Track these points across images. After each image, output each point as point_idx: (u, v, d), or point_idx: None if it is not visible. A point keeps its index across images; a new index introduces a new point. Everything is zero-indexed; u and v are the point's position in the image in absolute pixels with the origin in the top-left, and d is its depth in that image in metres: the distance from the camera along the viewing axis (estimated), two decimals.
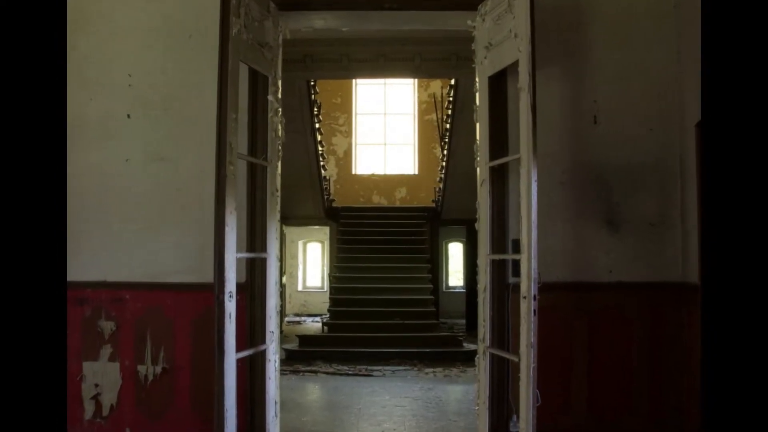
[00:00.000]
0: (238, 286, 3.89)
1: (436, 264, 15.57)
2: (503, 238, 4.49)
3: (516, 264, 4.09)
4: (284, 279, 16.40)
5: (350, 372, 9.47)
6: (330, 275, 14.79)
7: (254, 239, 4.42)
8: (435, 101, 17.91)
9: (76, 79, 4.73)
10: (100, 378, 4.67)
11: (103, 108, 4.76)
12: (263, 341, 4.34)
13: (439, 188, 15.23)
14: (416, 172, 18.81)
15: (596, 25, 4.77)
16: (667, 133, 4.72)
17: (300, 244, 20.21)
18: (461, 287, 17.98)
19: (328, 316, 13.06)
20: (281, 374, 4.58)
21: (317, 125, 13.67)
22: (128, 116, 4.75)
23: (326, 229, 16.42)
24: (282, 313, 15.00)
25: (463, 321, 15.11)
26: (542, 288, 3.76)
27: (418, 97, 18.94)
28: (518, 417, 3.89)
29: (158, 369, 4.65)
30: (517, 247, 4.11)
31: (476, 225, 4.48)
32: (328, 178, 15.95)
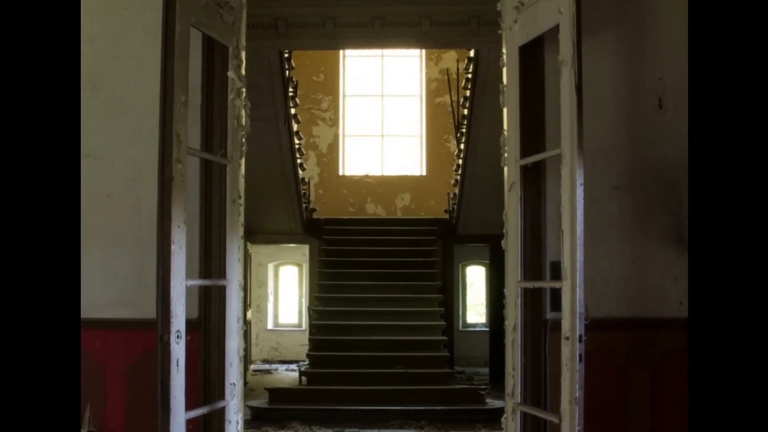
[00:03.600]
0: (189, 323, 3.89)
1: (451, 294, 15.55)
2: (539, 260, 4.49)
3: (556, 294, 4.08)
4: (249, 314, 16.38)
5: None
6: (310, 309, 14.78)
7: (210, 261, 4.42)
8: (449, 79, 17.97)
9: None
10: None
11: None
12: (221, 396, 4.33)
13: (454, 194, 15.25)
14: (424, 173, 18.84)
15: None
16: None
17: (270, 267, 20.20)
18: (483, 325, 17.97)
19: (307, 363, 13.04)
20: None
21: (293, 111, 13.70)
22: None
23: (305, 248, 16.39)
24: (247, 359, 14.94)
25: (486, 369, 15.08)
26: (590, 326, 3.76)
27: (427, 73, 19.00)
28: None
29: None
30: (557, 272, 4.11)
31: (503, 243, 4.47)
32: (307, 180, 15.97)
